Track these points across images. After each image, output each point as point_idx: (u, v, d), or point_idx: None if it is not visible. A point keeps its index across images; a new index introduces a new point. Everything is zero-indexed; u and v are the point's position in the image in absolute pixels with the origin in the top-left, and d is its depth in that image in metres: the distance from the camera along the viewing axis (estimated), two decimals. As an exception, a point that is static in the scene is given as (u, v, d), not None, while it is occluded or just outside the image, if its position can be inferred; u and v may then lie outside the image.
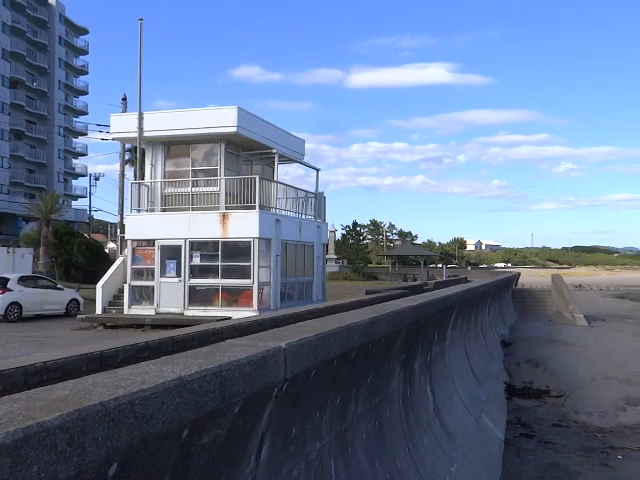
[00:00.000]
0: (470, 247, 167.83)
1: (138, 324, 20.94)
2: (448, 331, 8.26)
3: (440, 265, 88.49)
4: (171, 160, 24.58)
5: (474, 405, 8.45)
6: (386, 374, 5.06)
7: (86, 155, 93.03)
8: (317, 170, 28.77)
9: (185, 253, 22.37)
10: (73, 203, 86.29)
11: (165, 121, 24.01)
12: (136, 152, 27.82)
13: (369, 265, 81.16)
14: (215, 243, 22.38)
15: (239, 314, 17.20)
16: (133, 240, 23.43)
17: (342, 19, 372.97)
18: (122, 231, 26.68)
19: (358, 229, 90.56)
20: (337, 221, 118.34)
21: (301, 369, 2.98)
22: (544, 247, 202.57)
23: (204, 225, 22.27)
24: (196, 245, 22.61)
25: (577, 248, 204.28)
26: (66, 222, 54.77)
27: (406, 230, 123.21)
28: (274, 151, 24.59)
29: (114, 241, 53.45)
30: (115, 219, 44.34)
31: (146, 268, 23.24)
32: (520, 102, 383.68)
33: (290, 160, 27.86)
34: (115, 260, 26.70)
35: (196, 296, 22.48)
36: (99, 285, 23.95)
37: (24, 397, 1.71)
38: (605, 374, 12.66)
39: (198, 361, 2.30)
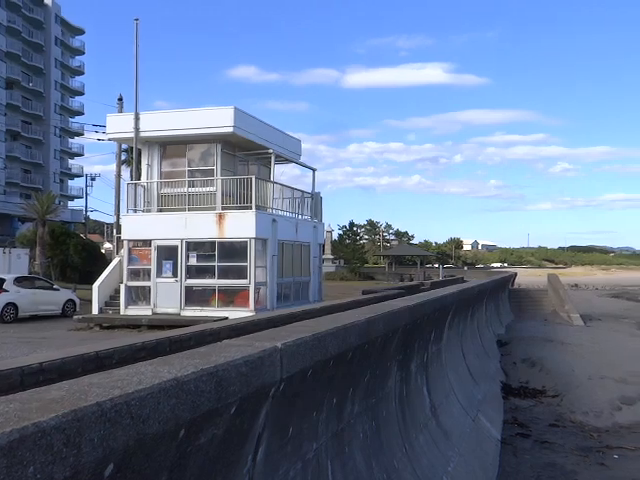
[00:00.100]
0: (466, 247, 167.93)
1: (134, 324, 20.93)
2: (444, 331, 8.27)
3: (437, 265, 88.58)
4: (167, 160, 24.56)
5: (470, 405, 8.46)
6: (383, 374, 5.07)
7: (82, 155, 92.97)
8: (313, 170, 28.79)
9: (181, 253, 22.35)
10: (69, 203, 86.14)
11: (161, 121, 23.99)
12: (132, 152, 27.82)
13: (366, 265, 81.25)
14: (211, 243, 22.36)
15: (236, 314, 17.20)
16: (129, 240, 23.40)
17: (339, 19, 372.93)
18: (118, 231, 26.66)
19: (355, 229, 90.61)
20: (334, 221, 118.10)
21: (297, 369, 2.98)
22: (540, 247, 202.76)
23: (200, 225, 22.25)
24: (192, 245, 22.59)
25: (573, 248, 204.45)
26: (62, 222, 54.64)
27: (403, 230, 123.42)
28: (270, 151, 24.59)
29: (110, 241, 53.41)
30: (111, 219, 44.38)
31: (142, 268, 23.21)
32: (516, 102, 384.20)
33: (286, 160, 27.87)
34: (111, 260, 26.67)
35: (193, 296, 22.46)
36: (95, 285, 23.91)
37: (20, 398, 1.71)
38: (601, 374, 12.68)
39: (194, 361, 2.30)
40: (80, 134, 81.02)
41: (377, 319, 4.47)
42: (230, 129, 22.65)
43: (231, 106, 22.86)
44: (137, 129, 23.83)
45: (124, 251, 23.60)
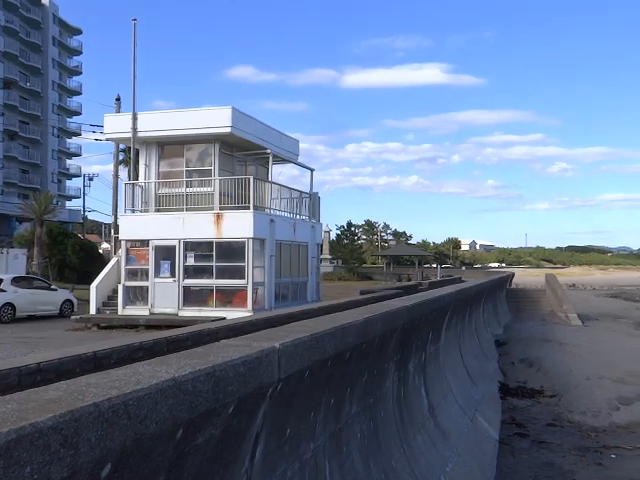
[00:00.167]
0: (464, 247, 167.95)
1: (132, 325, 20.90)
2: (442, 331, 8.27)
3: (434, 265, 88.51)
4: (165, 160, 24.54)
5: (468, 405, 8.47)
6: (380, 374, 5.07)
7: (80, 155, 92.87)
8: (311, 170, 28.78)
9: (179, 253, 22.34)
10: (67, 204, 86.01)
11: (159, 121, 23.98)
12: (130, 152, 27.79)
13: (363, 265, 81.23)
14: (209, 243, 22.36)
15: (233, 314, 17.19)
16: (127, 240, 23.39)
17: (337, 20, 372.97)
18: (116, 231, 26.62)
19: (352, 229, 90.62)
20: (331, 221, 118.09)
21: (295, 369, 2.98)
22: (538, 247, 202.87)
23: (198, 225, 22.25)
24: (190, 245, 22.58)
25: (571, 248, 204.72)
26: (60, 223, 54.60)
27: (400, 230, 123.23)
28: (268, 151, 24.58)
29: (108, 241, 53.31)
30: (109, 219, 44.29)
31: (140, 268, 23.20)
32: (514, 102, 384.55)
33: (284, 160, 27.86)
34: (109, 260, 26.64)
35: (190, 296, 22.45)
36: (93, 286, 23.89)
37: (17, 398, 1.71)
38: (599, 374, 12.70)
39: (192, 361, 2.30)
40: (78, 134, 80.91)
41: (375, 319, 4.47)
42: (228, 129, 22.65)
43: (229, 106, 22.86)
44: (135, 129, 23.82)
45: (122, 251, 23.58)
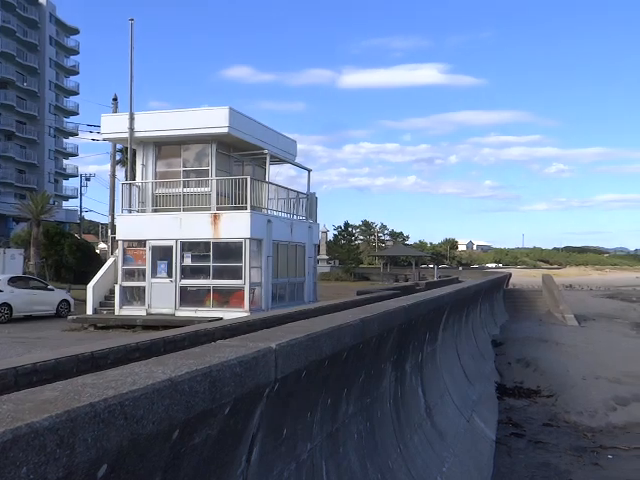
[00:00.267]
0: (461, 247, 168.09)
1: (129, 325, 20.88)
2: (439, 331, 8.28)
3: (432, 265, 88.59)
4: (162, 160, 24.51)
5: (465, 405, 8.48)
6: (377, 374, 5.07)
7: (77, 155, 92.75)
8: (309, 171, 28.79)
9: (176, 254, 22.32)
10: (64, 204, 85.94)
11: (156, 121, 23.95)
12: (127, 152, 27.74)
13: (360, 266, 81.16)
14: (206, 244, 22.35)
15: (230, 315, 17.18)
16: (124, 241, 23.36)
17: (334, 20, 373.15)
18: (113, 232, 26.57)
19: (350, 230, 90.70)
20: (329, 222, 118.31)
21: (292, 369, 2.98)
22: (535, 247, 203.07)
23: (195, 226, 22.23)
24: (187, 246, 22.56)
25: (568, 248, 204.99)
26: (57, 223, 54.54)
27: (398, 230, 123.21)
28: (265, 152, 24.57)
29: (105, 242, 53.23)
30: (106, 220, 44.16)
31: (137, 269, 23.17)
32: (511, 103, 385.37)
33: (282, 161, 27.86)
34: (106, 261, 26.60)
35: (187, 297, 22.43)
36: (90, 286, 23.86)
37: (13, 398, 1.71)
38: (595, 374, 12.73)
39: (188, 362, 2.30)
40: (75, 134, 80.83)
41: (372, 319, 4.47)
42: (225, 129, 22.64)
43: (226, 106, 22.85)
44: (132, 129, 23.79)
45: (119, 251, 23.55)
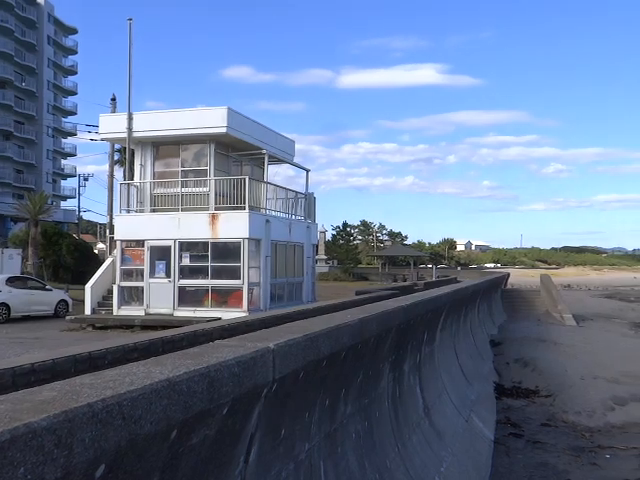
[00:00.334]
0: (460, 247, 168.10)
1: (127, 325, 20.87)
2: (437, 331, 8.29)
3: (430, 265, 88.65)
4: (160, 160, 24.51)
5: (463, 405, 8.48)
6: (376, 374, 5.07)
7: (75, 155, 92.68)
8: (307, 171, 28.81)
9: (175, 254, 22.31)
10: (62, 204, 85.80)
11: (154, 121, 23.94)
12: (125, 152, 27.74)
13: (359, 266, 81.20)
14: (205, 244, 22.34)
15: (229, 315, 17.19)
16: (122, 241, 23.34)
17: (333, 20, 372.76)
18: (111, 232, 26.59)
19: (348, 230, 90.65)
20: (327, 222, 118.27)
21: (290, 370, 2.99)
22: (533, 247, 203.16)
23: (194, 226, 22.23)
24: (186, 246, 22.56)
25: (566, 248, 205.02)
26: (55, 223, 54.45)
27: (396, 230, 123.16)
28: (264, 152, 24.57)
29: (103, 242, 53.23)
30: (104, 220, 44.18)
31: (135, 269, 23.16)
32: (510, 103, 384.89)
33: (280, 161, 27.88)
34: (104, 261, 26.59)
35: (186, 297, 22.43)
36: (88, 286, 23.84)
37: (11, 398, 1.70)
38: (593, 374, 12.74)
39: (186, 362, 2.30)
40: (73, 134, 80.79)
41: (370, 319, 4.47)
42: (223, 129, 22.63)
43: (225, 106, 22.85)
44: (130, 129, 23.78)
45: (117, 251, 23.54)
